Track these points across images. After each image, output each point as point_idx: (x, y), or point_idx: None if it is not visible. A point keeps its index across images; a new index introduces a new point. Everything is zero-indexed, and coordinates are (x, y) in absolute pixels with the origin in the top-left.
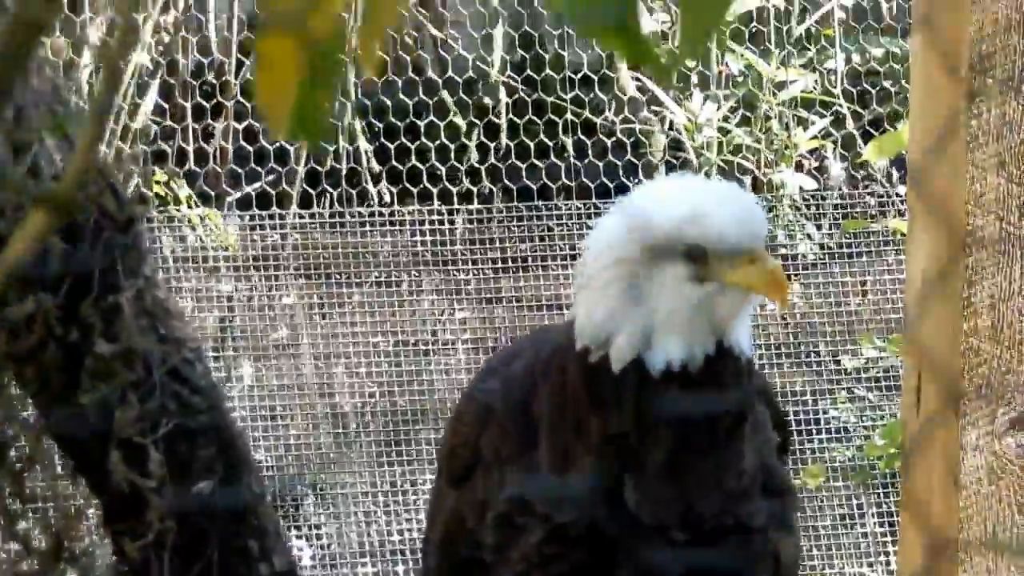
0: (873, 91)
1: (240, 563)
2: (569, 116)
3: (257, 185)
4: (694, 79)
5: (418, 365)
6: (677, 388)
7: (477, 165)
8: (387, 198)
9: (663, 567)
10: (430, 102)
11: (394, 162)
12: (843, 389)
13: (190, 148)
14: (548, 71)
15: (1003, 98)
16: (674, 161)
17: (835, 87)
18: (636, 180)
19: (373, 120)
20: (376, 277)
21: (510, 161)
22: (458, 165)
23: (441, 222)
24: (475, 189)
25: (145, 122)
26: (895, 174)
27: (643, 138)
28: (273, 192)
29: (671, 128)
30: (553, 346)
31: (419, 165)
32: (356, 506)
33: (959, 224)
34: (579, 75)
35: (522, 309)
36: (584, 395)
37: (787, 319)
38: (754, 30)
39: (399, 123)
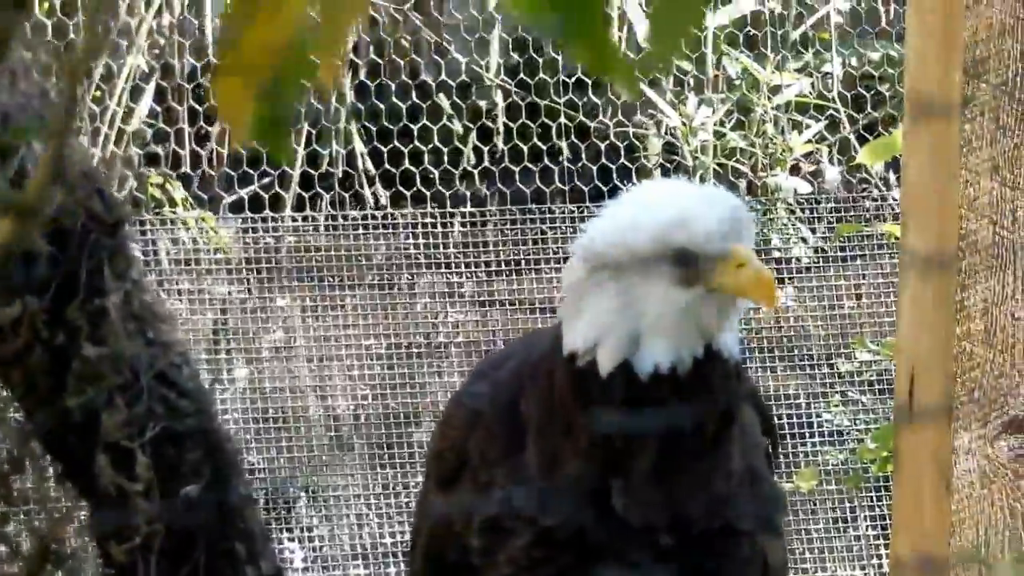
0: (868, 95)
1: (227, 566)
2: (563, 120)
3: (251, 189)
4: (690, 83)
5: (411, 368)
6: (665, 392)
7: (471, 169)
8: (383, 200)
9: (651, 570)
10: (424, 106)
11: (388, 165)
12: (837, 392)
13: (184, 152)
14: (542, 74)
15: (997, 103)
16: (668, 165)
17: (831, 91)
18: (631, 184)
19: (367, 124)
20: (371, 280)
21: (504, 164)
22: (452, 169)
23: (435, 225)
24: (468, 193)
25: (139, 125)
26: (892, 178)
27: (637, 142)
28: (266, 195)
29: (666, 132)
30: (541, 350)
31: (412, 169)
32: (348, 508)
33: (952, 229)
34: (573, 79)
35: (515, 312)
36: (572, 399)
37: (781, 322)
38: (750, 34)
39: (392, 127)
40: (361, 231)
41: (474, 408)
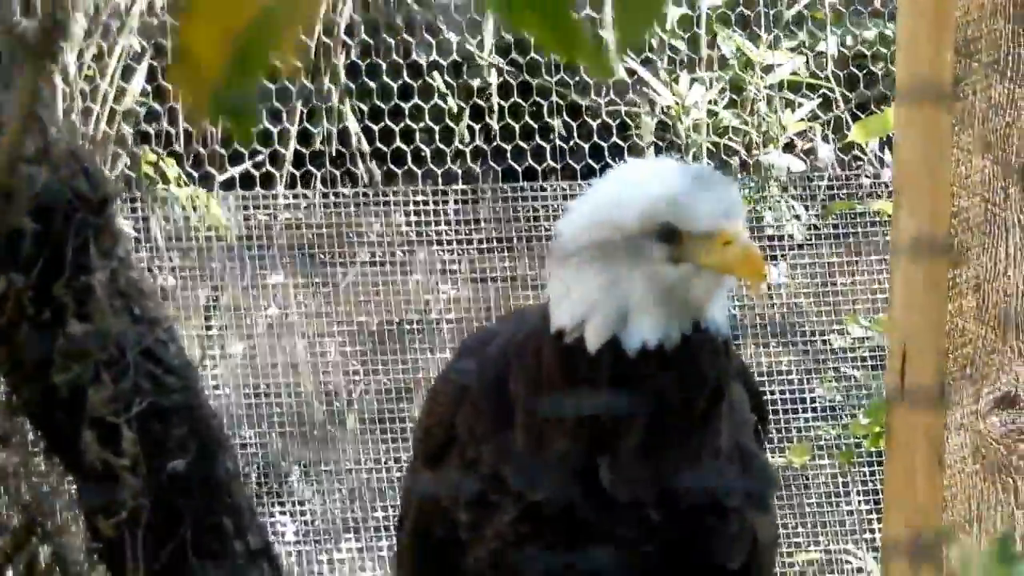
0: (861, 75)
1: (214, 540)
2: (555, 98)
3: (243, 167)
4: (683, 61)
5: (404, 344)
6: (653, 369)
7: (462, 147)
8: (377, 178)
9: (638, 547)
10: (415, 85)
11: (380, 144)
12: (830, 368)
13: (176, 131)
14: (534, 53)
15: (988, 81)
16: (661, 143)
17: (824, 70)
18: (623, 162)
19: (359, 103)
20: (366, 257)
21: (496, 143)
22: (443, 147)
23: (426, 203)
24: (460, 172)
25: (131, 105)
26: (887, 156)
27: (629, 120)
28: (257, 174)
29: (659, 111)
30: (529, 328)
31: (404, 147)
32: (340, 483)
33: (944, 209)
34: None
35: (508, 289)
36: (559, 376)
37: (774, 299)
38: (743, 13)
39: (384, 105)
40: (354, 208)
41: (461, 384)
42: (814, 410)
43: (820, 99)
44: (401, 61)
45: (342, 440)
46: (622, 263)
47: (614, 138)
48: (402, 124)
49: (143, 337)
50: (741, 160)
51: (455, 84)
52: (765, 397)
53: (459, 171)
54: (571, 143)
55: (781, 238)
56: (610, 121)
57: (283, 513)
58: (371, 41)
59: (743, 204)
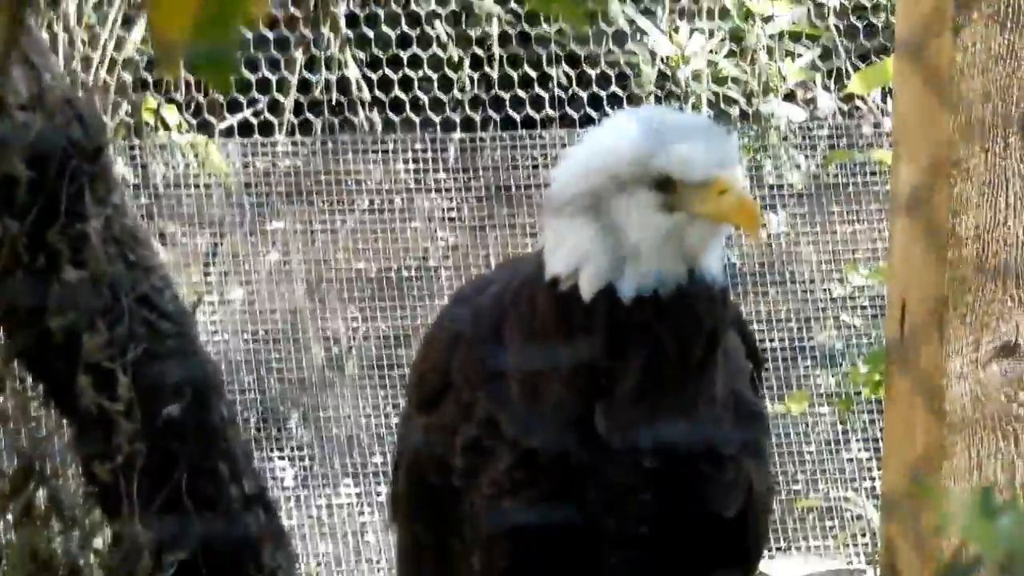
0: (861, 26)
1: (209, 485)
2: (554, 48)
3: (242, 116)
4: (683, 10)
5: (403, 291)
6: (648, 316)
7: (460, 96)
8: (377, 126)
9: (634, 495)
10: (414, 34)
11: (378, 92)
12: (830, 316)
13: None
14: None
15: (989, 32)
16: (660, 93)
17: (825, 20)
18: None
19: (357, 50)
20: (365, 205)
21: (494, 92)
22: (442, 96)
23: (425, 151)
24: (458, 120)
25: (132, 53)
26: (888, 106)
27: (628, 70)
28: (255, 122)
29: (659, 60)
30: (524, 275)
31: (402, 96)
32: (339, 428)
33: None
34: None
35: (507, 236)
36: (554, 323)
37: (774, 247)
38: None
39: (382, 55)
40: (353, 155)
41: (456, 331)
42: (813, 358)
43: (820, 49)
44: (399, 11)
45: (340, 386)
46: (617, 212)
47: (613, 88)
48: (400, 73)
49: (138, 283)
50: (741, 110)
51: (454, 33)
52: (764, 346)
53: (458, 120)
54: (570, 92)
55: (781, 187)
56: (609, 71)
57: (282, 459)
58: None
59: (739, 153)
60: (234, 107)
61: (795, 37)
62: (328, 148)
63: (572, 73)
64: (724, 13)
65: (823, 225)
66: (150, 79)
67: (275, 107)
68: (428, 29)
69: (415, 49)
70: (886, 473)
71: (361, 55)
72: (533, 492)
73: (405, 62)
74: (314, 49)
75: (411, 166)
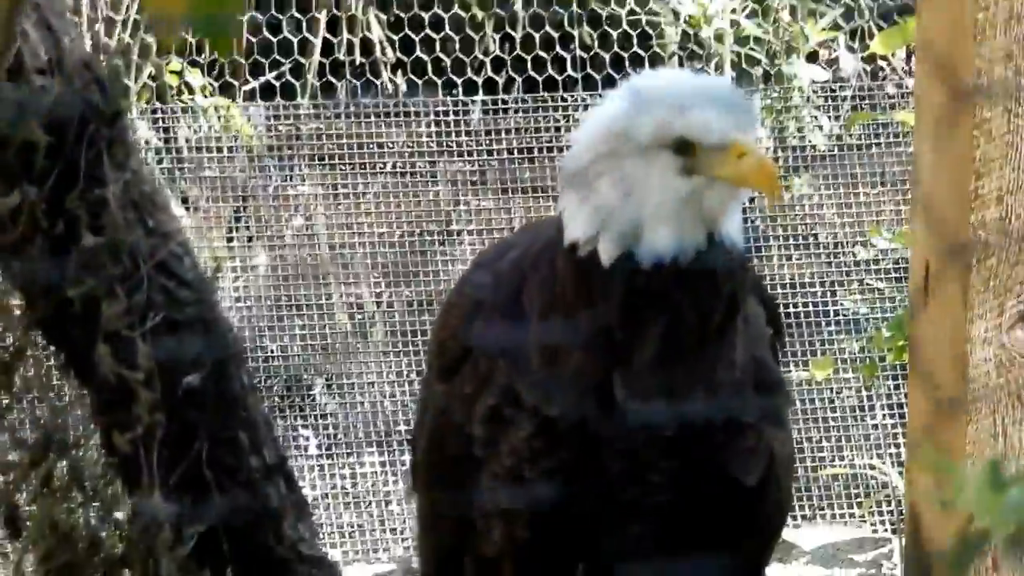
0: None
1: (229, 455)
2: (576, 8)
3: (264, 79)
4: None
5: (427, 256)
6: (667, 282)
7: (482, 57)
8: (402, 87)
9: (653, 463)
10: None
11: (401, 54)
12: (855, 280)
13: (200, 41)
14: None
15: None
16: (682, 53)
17: None
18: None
19: (378, 12)
20: (389, 168)
21: (516, 53)
22: (463, 58)
23: (447, 113)
24: (480, 81)
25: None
26: (914, 66)
27: (650, 30)
28: (277, 84)
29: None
30: (543, 241)
31: (424, 57)
32: (363, 396)
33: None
34: None
35: (531, 200)
36: (573, 289)
37: (797, 209)
38: None
39: (404, 15)
40: (375, 119)
41: (476, 298)
42: (838, 323)
43: (843, 8)
44: None
45: (364, 353)
46: (636, 176)
47: (635, 48)
48: (422, 34)
49: (157, 250)
50: (764, 70)
51: None
52: (788, 311)
53: (479, 82)
54: (592, 53)
55: (804, 149)
56: (631, 31)
57: (305, 427)
58: None
59: (759, 116)
60: (256, 70)
61: None
62: (351, 111)
63: (594, 33)
64: None
65: (847, 187)
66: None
67: (297, 70)
68: None
69: (437, 10)
70: (910, 440)
71: (382, 16)
72: (552, 461)
73: (426, 23)
74: (336, 10)
75: (433, 129)
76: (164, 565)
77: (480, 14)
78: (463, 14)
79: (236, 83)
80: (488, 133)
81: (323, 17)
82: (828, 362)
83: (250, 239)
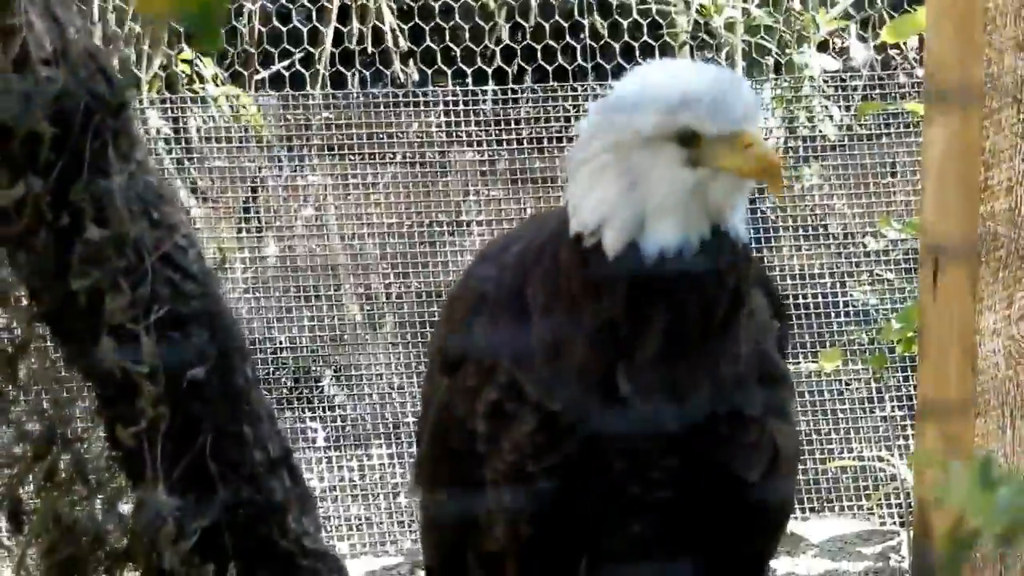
0: None
1: (233, 448)
2: None
3: (275, 69)
4: None
5: (435, 247)
6: (671, 274)
7: (493, 47)
8: (414, 77)
9: (656, 458)
10: None
11: (411, 44)
12: (864, 271)
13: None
14: None
15: None
16: (693, 43)
17: None
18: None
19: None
20: (401, 158)
21: (526, 42)
22: (473, 47)
23: (456, 103)
24: (490, 70)
25: None
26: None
27: (660, 19)
28: (287, 74)
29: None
30: (548, 232)
31: (434, 47)
32: (371, 387)
33: (976, 107)
34: None
35: (542, 190)
36: (578, 281)
37: (808, 199)
38: None
39: (414, 3)
40: (384, 108)
41: (480, 291)
42: (847, 314)
43: None
44: None
45: (373, 344)
46: (641, 167)
47: (646, 37)
48: (432, 23)
49: (161, 242)
50: (775, 59)
51: None
52: (797, 301)
53: (489, 71)
54: (602, 42)
55: (814, 139)
56: (641, 20)
57: (313, 419)
58: None
59: (763, 107)
60: (267, 60)
61: None
62: (361, 101)
63: (605, 23)
64: None
65: (857, 178)
66: (183, 31)
67: (307, 60)
68: None
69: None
70: (919, 431)
71: (393, 5)
72: (555, 457)
73: (437, 12)
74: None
75: (443, 119)
76: (167, 559)
77: (491, 3)
78: (473, 3)
79: (246, 73)
80: (498, 123)
81: (335, 6)
82: (837, 353)
83: (260, 229)
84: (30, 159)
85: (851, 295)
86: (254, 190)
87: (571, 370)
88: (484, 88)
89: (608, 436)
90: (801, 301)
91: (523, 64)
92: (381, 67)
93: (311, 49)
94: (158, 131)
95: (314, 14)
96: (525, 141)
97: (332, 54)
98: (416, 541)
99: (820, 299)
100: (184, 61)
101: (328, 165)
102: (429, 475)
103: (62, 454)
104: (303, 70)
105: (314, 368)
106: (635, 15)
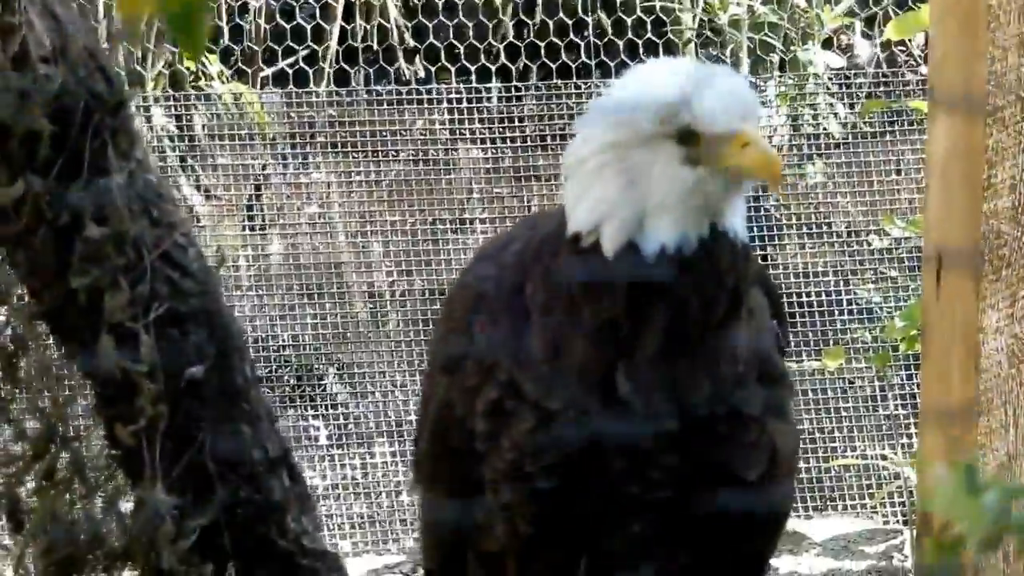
0: None
1: (232, 447)
2: None
3: (277, 67)
4: None
5: (439, 244)
6: (670, 273)
7: (497, 44)
8: (421, 74)
9: (655, 457)
10: None
11: (415, 42)
12: (868, 269)
13: (224, 25)
14: None
15: None
16: (698, 40)
17: None
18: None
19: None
20: (406, 155)
21: (530, 39)
22: (477, 45)
23: (460, 100)
24: (494, 68)
25: None
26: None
27: (664, 16)
28: (291, 72)
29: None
30: (546, 231)
31: (437, 44)
32: (374, 385)
33: (980, 104)
34: None
35: (546, 188)
36: (577, 280)
37: (812, 197)
38: None
39: (418, 1)
40: (387, 106)
41: (478, 290)
42: (851, 312)
43: None
44: None
45: (376, 342)
46: (640, 165)
47: (650, 35)
48: (436, 20)
49: (161, 241)
50: (779, 57)
51: None
52: (801, 300)
53: (494, 68)
54: (606, 40)
55: (819, 136)
56: (645, 17)
57: (316, 417)
58: None
59: (762, 105)
60: (271, 58)
61: None
62: (366, 99)
63: (608, 20)
64: None
65: (861, 175)
66: None
67: (311, 57)
68: None
69: None
70: (922, 431)
71: (397, 1)
72: (555, 456)
73: (441, 9)
74: None
75: (447, 116)
76: (166, 558)
77: (495, 0)
78: (478, 0)
79: (250, 70)
80: (503, 121)
81: (339, 3)
82: (841, 352)
83: (264, 227)
84: (29, 157)
85: (855, 293)
86: (258, 187)
87: (570, 369)
88: (488, 86)
89: (607, 435)
90: (805, 299)
91: (528, 62)
92: (385, 64)
93: (315, 46)
94: (163, 128)
95: (318, 11)
96: (529, 139)
97: (337, 51)
98: (419, 539)
99: (824, 297)
100: (189, 58)
101: (332, 162)
102: (428, 474)
103: (61, 453)
104: (307, 67)
105: (317, 366)
106: (639, 12)
